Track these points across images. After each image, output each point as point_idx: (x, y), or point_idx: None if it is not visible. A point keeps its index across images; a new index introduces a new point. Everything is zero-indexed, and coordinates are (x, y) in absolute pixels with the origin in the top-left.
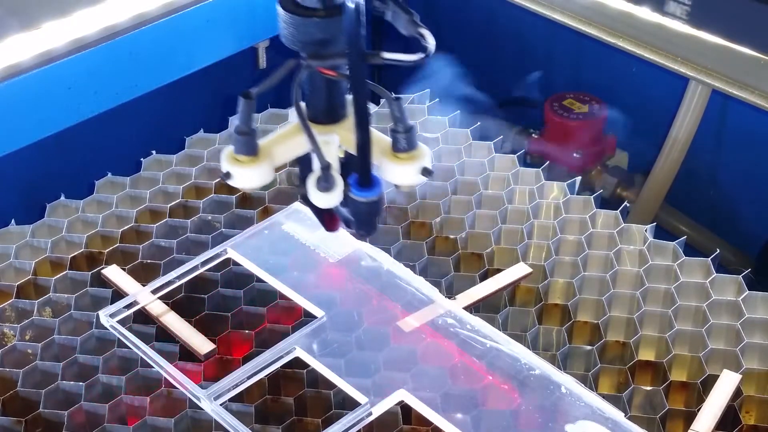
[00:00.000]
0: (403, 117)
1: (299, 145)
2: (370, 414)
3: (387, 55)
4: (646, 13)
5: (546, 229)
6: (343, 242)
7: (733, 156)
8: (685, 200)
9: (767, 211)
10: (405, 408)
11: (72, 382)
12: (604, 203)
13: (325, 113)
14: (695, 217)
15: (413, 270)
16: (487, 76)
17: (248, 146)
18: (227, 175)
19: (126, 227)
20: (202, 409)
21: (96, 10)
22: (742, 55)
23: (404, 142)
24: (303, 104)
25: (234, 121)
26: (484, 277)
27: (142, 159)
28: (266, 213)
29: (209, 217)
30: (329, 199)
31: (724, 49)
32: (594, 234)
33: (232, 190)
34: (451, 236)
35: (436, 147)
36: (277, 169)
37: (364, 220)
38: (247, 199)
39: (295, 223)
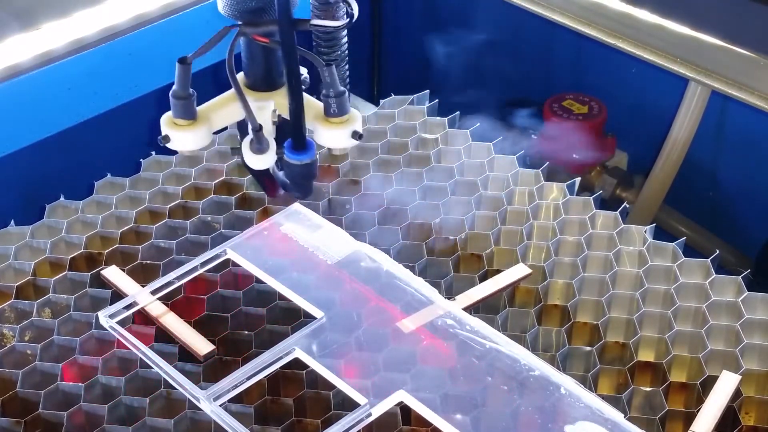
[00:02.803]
0: (334, 82)
1: (236, 111)
2: (370, 415)
3: (315, 21)
4: (645, 15)
5: (545, 230)
6: (343, 243)
7: (733, 157)
8: (684, 201)
9: (767, 211)
10: (404, 409)
11: (71, 383)
12: (603, 204)
13: (262, 80)
14: (695, 217)
15: (413, 271)
16: (487, 77)
17: (186, 110)
18: (165, 138)
19: (125, 228)
20: (202, 410)
21: (96, 10)
22: (741, 56)
23: (335, 106)
24: (242, 74)
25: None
26: (483, 278)
27: (141, 160)
28: (266, 214)
29: (209, 218)
30: (262, 161)
31: (723, 50)
32: (593, 235)
33: (231, 190)
34: (451, 237)
35: (436, 148)
36: (215, 132)
37: (300, 182)
38: (246, 200)
39: (295, 224)
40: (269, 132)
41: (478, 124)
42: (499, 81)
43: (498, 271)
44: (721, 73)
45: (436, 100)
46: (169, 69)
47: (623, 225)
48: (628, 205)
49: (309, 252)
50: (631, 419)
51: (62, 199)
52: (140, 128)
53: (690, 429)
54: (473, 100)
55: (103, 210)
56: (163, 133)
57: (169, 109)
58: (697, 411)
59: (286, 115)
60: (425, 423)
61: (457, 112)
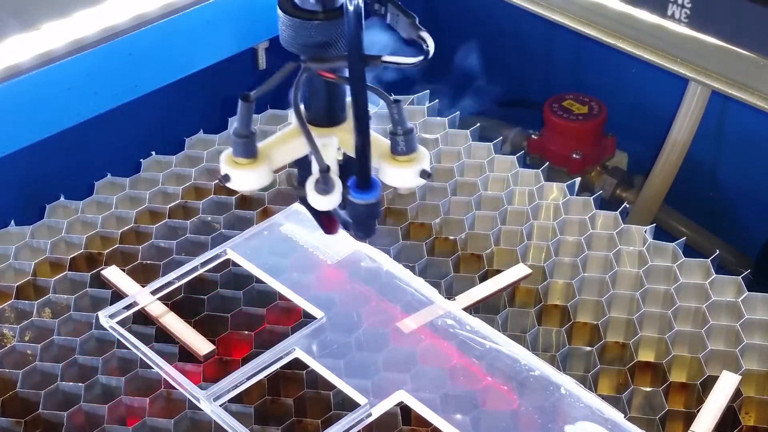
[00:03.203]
0: (402, 119)
1: (298, 148)
2: (370, 415)
3: (387, 58)
4: (645, 15)
5: (545, 230)
6: (343, 243)
7: (733, 157)
8: (684, 201)
9: (767, 212)
10: (404, 409)
11: (71, 383)
12: (603, 204)
13: (325, 116)
14: (695, 218)
15: (413, 271)
16: (487, 77)
17: (247, 149)
18: (226, 177)
19: (125, 228)
20: (202, 410)
21: (96, 10)
22: (741, 57)
23: (403, 144)
24: (302, 107)
25: (233, 123)
26: (483, 278)
27: (141, 160)
28: (266, 214)
29: (209, 218)
30: (328, 202)
31: (723, 51)
32: (593, 235)
33: (231, 191)
34: (451, 237)
35: (436, 148)
36: (276, 171)
37: (363, 222)
38: (246, 200)
39: (295, 224)
40: (335, 171)
41: (478, 124)
42: (499, 81)
43: (498, 271)
44: (721, 73)
45: (436, 100)
46: (169, 69)
47: (623, 225)
48: (628, 205)
49: (309, 252)
50: (631, 419)
51: (62, 199)
52: (140, 128)
53: (690, 429)
54: (473, 100)
55: (103, 210)
56: (222, 172)
57: (169, 110)
58: (697, 411)
59: (349, 151)
60: (425, 423)
61: (457, 112)
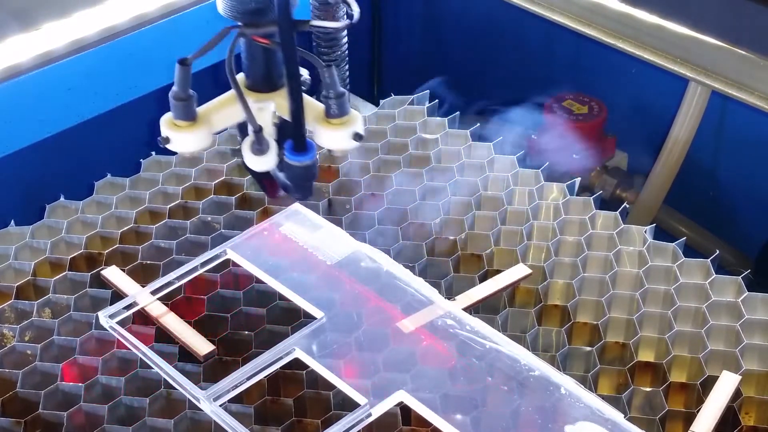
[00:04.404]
0: (334, 83)
1: (237, 112)
2: (370, 415)
3: (315, 22)
4: (645, 15)
5: (545, 230)
6: (343, 243)
7: (733, 157)
8: (684, 201)
9: (767, 212)
10: (404, 409)
11: (71, 383)
12: (603, 204)
13: (262, 82)
14: (695, 218)
15: (413, 271)
16: (487, 77)
17: (186, 112)
18: (165, 139)
19: (125, 228)
20: (202, 410)
21: (96, 11)
22: (741, 56)
23: (336, 107)
24: (241, 74)
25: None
26: (483, 278)
27: (141, 160)
28: (266, 214)
29: (209, 218)
30: (263, 162)
31: (723, 51)
32: (593, 235)
33: (231, 191)
34: (451, 237)
35: (436, 148)
36: (216, 133)
37: (300, 184)
38: (246, 200)
39: (295, 224)
40: (270, 133)
41: (478, 124)
42: (499, 81)
43: (498, 271)
44: (721, 73)
45: (436, 101)
46: (169, 69)
47: (623, 225)
48: (628, 205)
49: (309, 252)
50: (631, 419)
51: (62, 199)
52: (140, 128)
53: (690, 429)
54: (473, 100)
55: (103, 210)
56: (163, 135)
57: (169, 110)
58: (697, 411)
59: (286, 116)
60: (425, 423)
61: (457, 112)
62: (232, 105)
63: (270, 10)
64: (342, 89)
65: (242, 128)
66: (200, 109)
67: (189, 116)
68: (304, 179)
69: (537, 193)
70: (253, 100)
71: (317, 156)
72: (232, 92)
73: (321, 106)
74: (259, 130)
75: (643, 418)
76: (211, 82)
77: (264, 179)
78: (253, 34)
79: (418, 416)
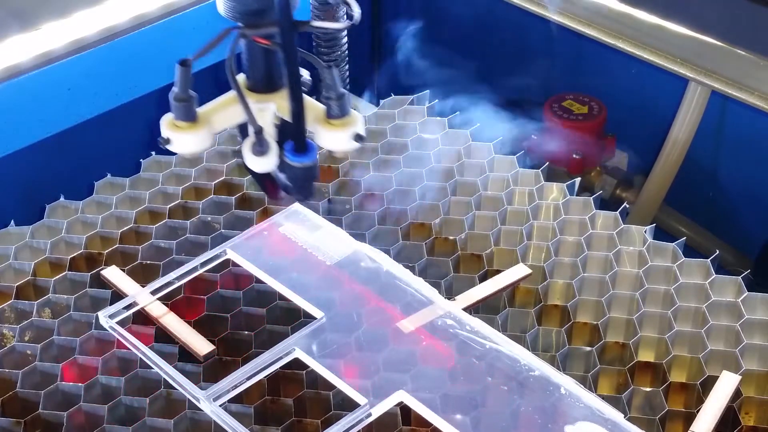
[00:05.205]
0: (335, 84)
1: (237, 113)
2: (370, 415)
3: (316, 23)
4: (645, 15)
5: (545, 230)
6: (343, 243)
7: (733, 157)
8: (684, 201)
9: (767, 212)
10: (404, 409)
11: (71, 383)
12: (603, 204)
13: (263, 82)
14: (695, 218)
15: (413, 271)
16: (487, 77)
17: (186, 112)
18: (166, 140)
19: (125, 228)
20: (202, 410)
21: (95, 11)
22: (741, 57)
23: (336, 108)
24: (242, 75)
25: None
26: (483, 278)
27: (141, 160)
28: (266, 214)
29: (209, 218)
30: (264, 163)
31: (723, 51)
32: (593, 235)
33: (231, 191)
34: (451, 237)
35: (436, 148)
36: (216, 133)
37: (301, 184)
38: (246, 200)
39: (295, 224)
40: (270, 134)
41: (478, 124)
42: (499, 81)
43: (498, 271)
44: (721, 73)
45: (436, 100)
46: (169, 69)
47: (623, 225)
48: (628, 205)
49: (309, 252)
50: (631, 419)
51: (62, 199)
52: (140, 128)
53: (690, 429)
54: (473, 100)
55: (103, 210)
56: (163, 135)
57: (169, 110)
58: (697, 411)
59: (286, 117)
60: (425, 423)
61: (457, 112)
62: (232, 106)
63: (270, 10)
64: (342, 90)
65: (243, 129)
66: (201, 110)
67: (189, 117)
68: (305, 180)
69: (537, 193)
70: (253, 101)
71: (318, 157)
72: (232, 93)
73: (322, 106)
74: (259, 131)
75: (643, 418)
76: (211, 83)
77: (264, 180)
78: (253, 34)
79: (418, 416)
